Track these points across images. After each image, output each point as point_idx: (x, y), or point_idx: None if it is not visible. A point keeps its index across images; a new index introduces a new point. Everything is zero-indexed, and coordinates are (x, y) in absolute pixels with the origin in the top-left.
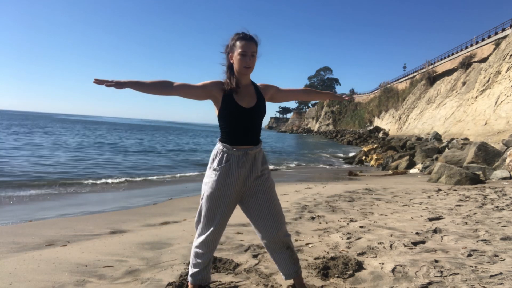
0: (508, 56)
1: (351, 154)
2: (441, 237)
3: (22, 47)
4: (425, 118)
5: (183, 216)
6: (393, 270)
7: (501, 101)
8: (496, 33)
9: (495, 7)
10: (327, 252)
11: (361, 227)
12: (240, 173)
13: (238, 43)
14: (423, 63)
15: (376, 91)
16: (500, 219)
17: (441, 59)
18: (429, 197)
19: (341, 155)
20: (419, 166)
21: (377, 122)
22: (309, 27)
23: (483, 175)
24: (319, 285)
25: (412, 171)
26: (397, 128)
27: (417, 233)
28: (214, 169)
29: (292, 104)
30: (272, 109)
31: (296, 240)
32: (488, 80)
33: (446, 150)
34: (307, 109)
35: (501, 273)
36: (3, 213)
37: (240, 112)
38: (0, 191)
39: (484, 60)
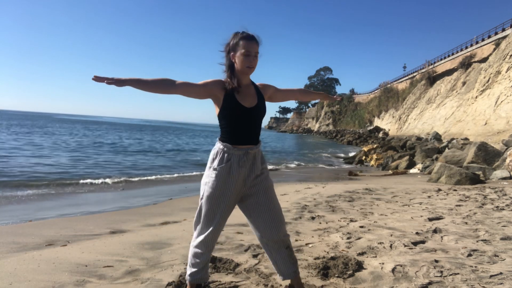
0: (508, 56)
1: (351, 154)
2: (441, 237)
3: (22, 47)
4: (425, 118)
5: (183, 216)
6: (393, 270)
7: (501, 101)
8: (496, 33)
9: (495, 7)
10: (327, 252)
11: (361, 227)
12: (240, 172)
13: (241, 42)
14: (423, 63)
15: (376, 91)
16: (500, 219)
17: (441, 59)
18: (429, 197)
19: (341, 155)
20: (419, 166)
21: (377, 122)
22: (309, 27)
23: (483, 175)
24: (319, 285)
25: (412, 171)
26: (397, 128)
27: (417, 233)
28: (215, 169)
29: (292, 104)
30: (272, 109)
31: (296, 240)
32: (488, 80)
33: (446, 150)
34: (307, 109)
35: (501, 273)
36: (3, 213)
37: (242, 112)
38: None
39: (484, 60)
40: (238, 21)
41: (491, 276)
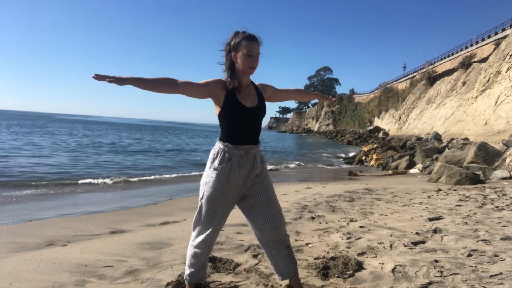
0: (508, 56)
1: (351, 154)
2: (441, 237)
3: (22, 47)
4: (425, 118)
5: (183, 216)
6: (393, 270)
7: (501, 101)
8: (496, 33)
9: (495, 7)
10: (327, 252)
11: (361, 227)
12: (241, 172)
13: (244, 42)
14: (423, 63)
15: (376, 91)
16: (500, 219)
17: (441, 59)
18: (429, 197)
19: (341, 155)
20: (419, 166)
21: (377, 122)
22: (309, 27)
23: (483, 175)
24: (319, 285)
25: (412, 171)
26: (397, 128)
27: (417, 233)
28: (215, 169)
29: (292, 104)
30: (272, 109)
31: (296, 240)
32: (488, 80)
33: (446, 150)
34: (307, 109)
35: (501, 273)
36: (3, 213)
37: (243, 112)
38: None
39: (484, 60)
40: (238, 21)
41: (491, 276)
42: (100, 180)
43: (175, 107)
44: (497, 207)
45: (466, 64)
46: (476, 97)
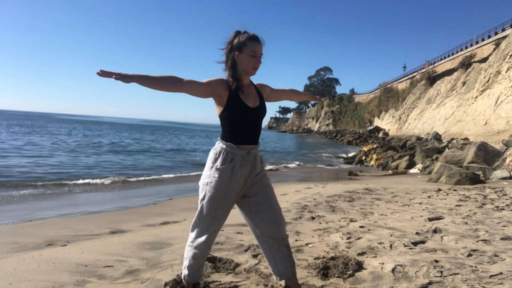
0: (508, 56)
1: (351, 154)
2: (441, 237)
3: (22, 47)
4: (425, 118)
5: (183, 216)
6: (393, 270)
7: (501, 101)
8: (496, 33)
9: (495, 7)
10: (327, 252)
11: (361, 227)
12: (242, 172)
13: (248, 43)
14: (423, 63)
15: (376, 91)
16: (500, 219)
17: (441, 59)
18: (429, 197)
19: (341, 155)
20: (419, 166)
21: (377, 122)
22: (309, 27)
23: (483, 175)
24: (319, 285)
25: (412, 171)
26: (397, 128)
27: (417, 233)
28: (218, 169)
29: (292, 104)
30: (272, 109)
31: (296, 240)
32: (488, 80)
33: (446, 150)
34: (307, 109)
35: (501, 273)
36: (3, 213)
37: (246, 112)
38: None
39: (484, 60)
40: (238, 20)
41: (491, 276)
42: (99, 180)
43: (175, 107)
44: (497, 207)
45: (466, 64)
46: (476, 97)
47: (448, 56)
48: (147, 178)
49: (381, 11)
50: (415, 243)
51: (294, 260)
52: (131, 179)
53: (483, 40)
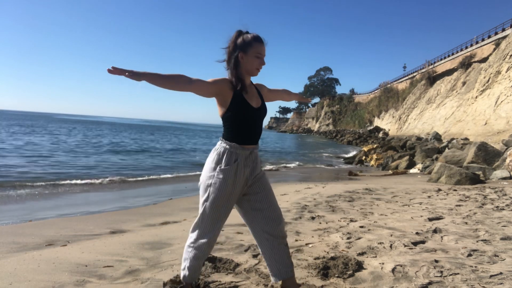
0: (508, 56)
1: (351, 154)
2: (441, 237)
3: (22, 47)
4: (425, 118)
5: (183, 216)
6: (393, 270)
7: (501, 101)
8: (496, 33)
9: (495, 7)
10: (327, 252)
11: (361, 227)
12: (245, 172)
13: (254, 43)
14: (423, 63)
15: (376, 91)
16: (500, 219)
17: (441, 59)
18: (429, 197)
19: (341, 155)
20: (419, 166)
21: (377, 122)
22: (309, 27)
23: (483, 175)
24: (319, 285)
25: (412, 171)
26: (397, 128)
27: (417, 233)
28: (222, 170)
29: (292, 104)
30: (272, 109)
31: (296, 240)
32: (488, 80)
33: (446, 150)
34: (307, 109)
35: (501, 273)
36: (3, 213)
37: (250, 112)
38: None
39: (484, 60)
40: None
41: (491, 276)
42: (99, 180)
43: (175, 107)
44: (497, 207)
45: (466, 64)
46: (476, 97)
47: (448, 56)
48: (146, 178)
49: (381, 11)
50: (415, 243)
51: (293, 262)
52: (131, 179)
53: (483, 40)
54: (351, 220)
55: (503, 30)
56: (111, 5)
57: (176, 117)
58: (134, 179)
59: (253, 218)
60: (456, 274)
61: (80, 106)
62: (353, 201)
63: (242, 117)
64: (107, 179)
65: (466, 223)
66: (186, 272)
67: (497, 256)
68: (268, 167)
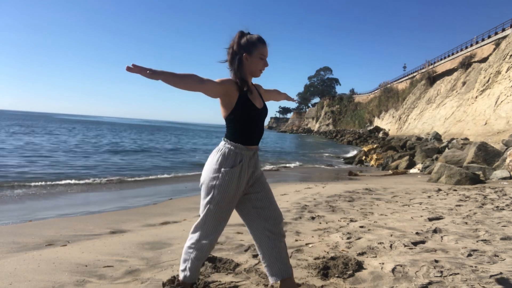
0: (508, 56)
1: (351, 154)
2: (441, 237)
3: (22, 47)
4: (425, 118)
5: (183, 216)
6: (393, 270)
7: (501, 101)
8: (496, 33)
9: (495, 7)
10: (327, 252)
11: (361, 227)
12: (248, 173)
13: (259, 45)
14: (423, 63)
15: (376, 91)
16: (500, 219)
17: (441, 59)
18: (429, 197)
19: (341, 155)
20: (419, 166)
21: (377, 122)
22: (309, 26)
23: (483, 175)
24: (319, 285)
25: (412, 171)
26: (397, 128)
27: (417, 233)
28: (227, 171)
29: (292, 104)
30: (272, 109)
31: (296, 240)
32: (488, 80)
33: (446, 150)
34: (307, 109)
35: (501, 273)
36: (3, 213)
37: (255, 113)
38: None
39: (484, 60)
40: (239, 20)
41: (491, 276)
42: (99, 180)
43: (175, 107)
44: (497, 207)
45: (466, 64)
46: (476, 97)
47: (448, 56)
48: (146, 178)
49: (381, 11)
50: (415, 243)
51: (292, 262)
52: (130, 179)
53: (483, 40)
54: (351, 220)
55: (503, 30)
56: (111, 5)
57: (176, 117)
58: (134, 179)
59: (254, 216)
60: (456, 274)
61: (80, 106)
62: (353, 201)
63: (247, 118)
64: (107, 179)
65: (466, 223)
66: (187, 273)
67: (497, 256)
68: (268, 167)
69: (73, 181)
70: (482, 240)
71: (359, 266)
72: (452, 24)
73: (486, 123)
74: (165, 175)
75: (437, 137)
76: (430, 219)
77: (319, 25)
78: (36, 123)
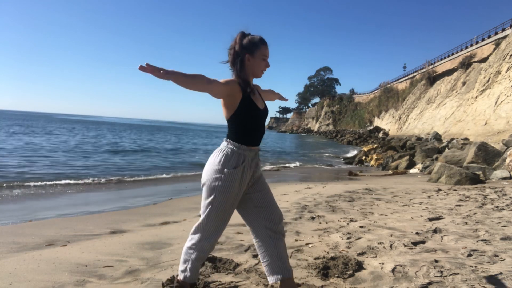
0: (508, 56)
1: (351, 154)
2: (441, 237)
3: (22, 47)
4: (425, 118)
5: (183, 216)
6: (393, 270)
7: (501, 101)
8: (496, 33)
9: (495, 7)
10: (327, 252)
11: (361, 227)
12: (250, 173)
13: (261, 46)
14: (423, 63)
15: (376, 91)
16: (500, 219)
17: (441, 59)
18: (429, 197)
19: (341, 155)
20: (419, 166)
21: (377, 122)
22: (309, 27)
23: (483, 175)
24: (319, 285)
25: (412, 171)
26: (397, 128)
27: (417, 233)
28: (230, 171)
29: (292, 104)
30: (272, 109)
31: (296, 240)
32: (488, 80)
33: (446, 150)
34: (307, 109)
35: (501, 273)
36: (3, 213)
37: (257, 113)
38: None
39: (484, 60)
40: (239, 20)
41: (491, 276)
42: (99, 180)
43: (175, 107)
44: (497, 207)
45: (466, 64)
46: (476, 97)
47: (448, 56)
48: (146, 178)
49: (381, 11)
50: (415, 243)
51: (292, 263)
52: (130, 179)
53: (483, 40)
54: (351, 220)
55: (503, 30)
56: (111, 5)
57: (176, 117)
58: (134, 179)
59: (256, 215)
60: (456, 274)
61: (80, 106)
62: (353, 201)
63: (250, 118)
64: (107, 179)
65: (466, 223)
66: (187, 273)
67: (497, 256)
68: (268, 167)
69: (73, 181)
70: (482, 240)
71: (359, 266)
72: (452, 24)
73: (486, 123)
74: (165, 175)
75: (437, 137)
76: (430, 219)
77: (319, 25)
78: (36, 123)
